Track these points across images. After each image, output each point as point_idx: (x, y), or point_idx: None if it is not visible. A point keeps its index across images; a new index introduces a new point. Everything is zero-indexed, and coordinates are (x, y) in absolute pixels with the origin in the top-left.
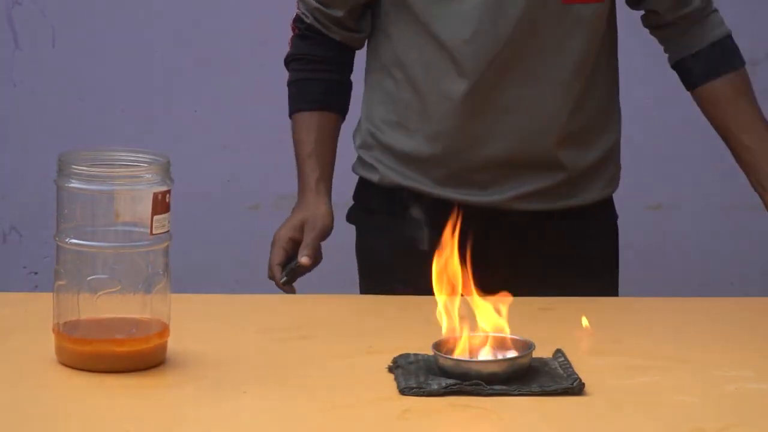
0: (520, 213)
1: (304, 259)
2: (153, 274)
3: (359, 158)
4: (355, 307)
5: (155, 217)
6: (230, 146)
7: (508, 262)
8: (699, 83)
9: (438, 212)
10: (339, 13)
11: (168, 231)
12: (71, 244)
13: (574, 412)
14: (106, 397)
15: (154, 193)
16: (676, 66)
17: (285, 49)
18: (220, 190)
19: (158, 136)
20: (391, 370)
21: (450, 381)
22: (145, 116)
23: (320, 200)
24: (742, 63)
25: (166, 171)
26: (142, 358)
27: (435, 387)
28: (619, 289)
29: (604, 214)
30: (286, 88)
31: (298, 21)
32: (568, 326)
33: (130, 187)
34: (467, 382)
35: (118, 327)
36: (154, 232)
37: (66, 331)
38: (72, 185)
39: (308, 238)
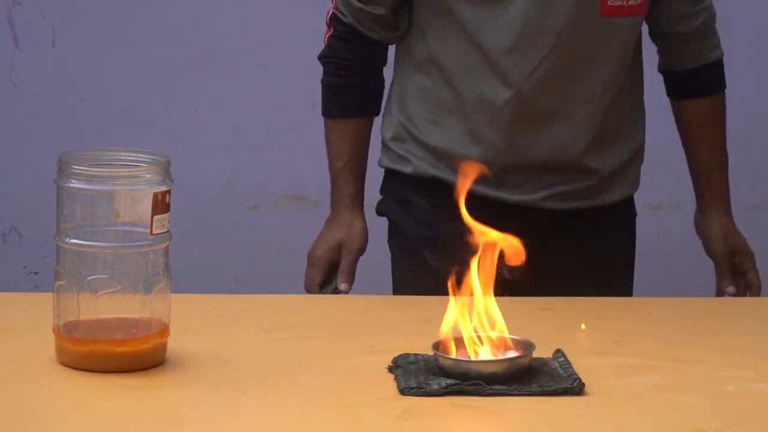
0: (549, 211)
1: (343, 286)
2: (153, 274)
3: (389, 150)
4: (355, 307)
5: (155, 217)
6: (230, 146)
7: (531, 258)
8: (680, 97)
9: (468, 206)
10: (381, 11)
11: (168, 231)
12: (71, 244)
13: (574, 412)
14: (106, 397)
15: (154, 193)
16: (663, 72)
17: (285, 49)
18: (220, 190)
19: (158, 136)
20: (391, 370)
21: (450, 381)
22: (145, 116)
23: (355, 217)
24: (724, 87)
25: (166, 171)
26: (142, 358)
27: (435, 387)
28: None
29: (626, 212)
30: (319, 85)
31: (334, 20)
32: (568, 326)
33: (130, 187)
34: (467, 382)
35: (118, 327)
36: (154, 232)
37: (66, 331)
38: (72, 185)
39: (346, 262)
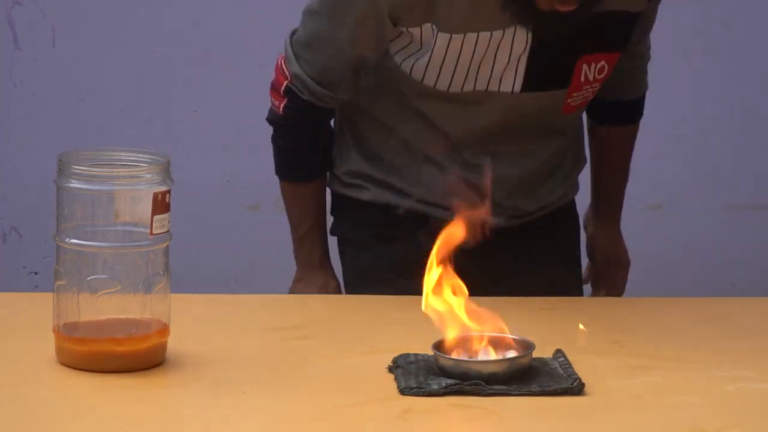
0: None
1: None
2: (153, 274)
3: (341, 180)
4: (355, 307)
5: (155, 217)
6: (230, 146)
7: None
8: (600, 122)
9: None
10: (345, 95)
11: (168, 231)
12: (71, 244)
13: (574, 412)
14: (106, 397)
15: (154, 193)
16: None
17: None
18: (220, 190)
19: (158, 136)
20: (391, 370)
21: (450, 381)
22: (145, 116)
23: (328, 276)
24: (641, 115)
25: (166, 171)
26: (142, 358)
27: (435, 387)
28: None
29: (569, 215)
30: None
31: (289, 93)
32: (568, 326)
33: (130, 187)
34: (467, 382)
35: (118, 327)
36: (154, 232)
37: (66, 331)
38: (72, 185)
39: None
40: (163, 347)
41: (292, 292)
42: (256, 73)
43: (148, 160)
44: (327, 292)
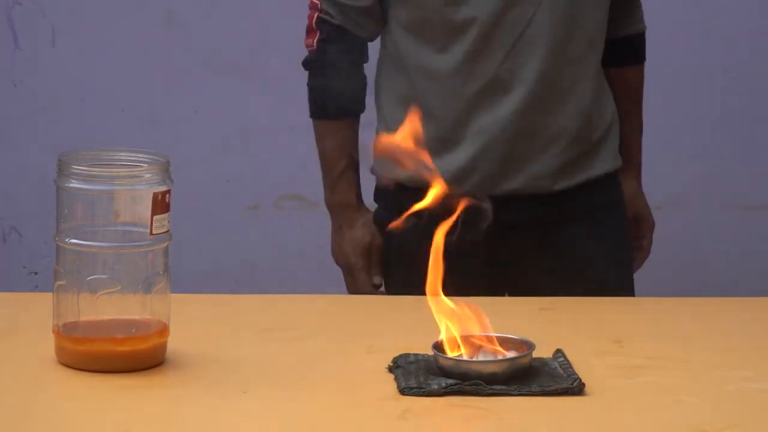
0: (534, 198)
1: (376, 279)
2: (153, 274)
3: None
4: (355, 307)
5: (155, 217)
6: (230, 146)
7: (522, 252)
8: (613, 65)
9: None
10: (368, 2)
11: (168, 231)
12: (71, 244)
13: (574, 412)
14: (106, 397)
15: (154, 193)
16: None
17: (284, 49)
18: (220, 190)
19: (158, 136)
20: (391, 370)
21: (450, 381)
22: (145, 116)
23: (365, 216)
24: (644, 57)
25: (166, 171)
26: (142, 358)
27: (435, 387)
28: None
29: (613, 188)
30: (306, 88)
31: (321, 23)
32: (568, 326)
33: (130, 187)
34: (467, 382)
35: (118, 327)
36: (154, 232)
37: (66, 331)
38: (72, 185)
39: (378, 261)
40: (163, 347)
41: (333, 245)
42: (257, 73)
43: (148, 160)
44: (372, 231)
